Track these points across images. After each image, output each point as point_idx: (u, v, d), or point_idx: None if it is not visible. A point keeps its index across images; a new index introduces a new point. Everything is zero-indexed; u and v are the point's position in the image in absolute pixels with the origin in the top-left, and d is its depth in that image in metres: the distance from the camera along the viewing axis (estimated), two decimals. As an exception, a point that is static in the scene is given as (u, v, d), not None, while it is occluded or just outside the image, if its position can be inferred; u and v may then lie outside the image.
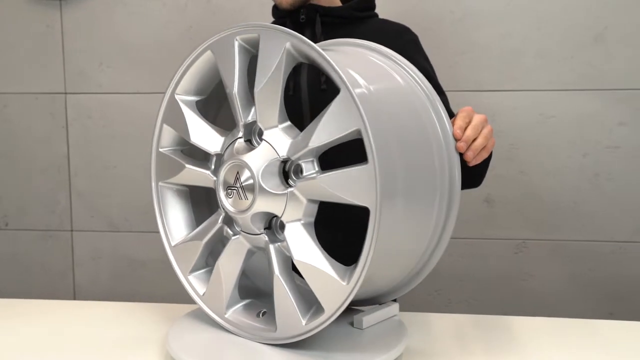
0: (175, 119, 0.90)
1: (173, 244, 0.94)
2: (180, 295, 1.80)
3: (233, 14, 1.76)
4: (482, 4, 1.68)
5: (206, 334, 0.88)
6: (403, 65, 0.88)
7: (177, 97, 0.90)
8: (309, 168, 0.77)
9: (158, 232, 1.97)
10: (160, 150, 0.93)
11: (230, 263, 0.86)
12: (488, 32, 1.69)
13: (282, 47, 0.76)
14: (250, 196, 0.79)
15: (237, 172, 0.80)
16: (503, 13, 1.68)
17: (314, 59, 0.75)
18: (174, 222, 0.95)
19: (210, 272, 0.92)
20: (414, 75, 0.87)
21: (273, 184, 0.79)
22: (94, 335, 0.97)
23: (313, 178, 0.76)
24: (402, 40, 1.16)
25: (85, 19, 1.81)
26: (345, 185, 0.72)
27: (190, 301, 1.13)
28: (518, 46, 1.68)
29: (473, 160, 0.87)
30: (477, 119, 0.88)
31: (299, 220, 0.78)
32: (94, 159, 1.86)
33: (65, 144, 1.87)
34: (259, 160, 0.78)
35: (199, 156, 0.95)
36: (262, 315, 0.87)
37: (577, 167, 1.70)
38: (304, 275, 0.78)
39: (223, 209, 0.85)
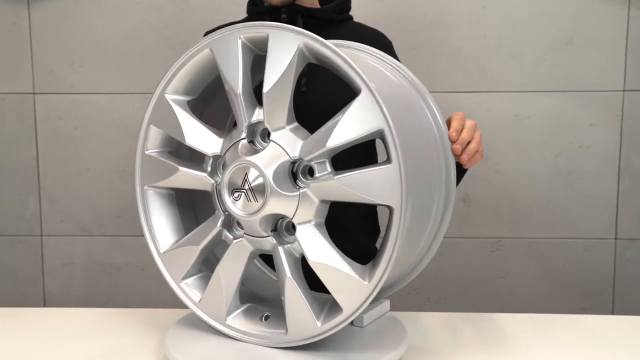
0: (165, 119, 0.87)
1: (162, 250, 0.91)
2: (159, 301, 1.77)
3: (210, 14, 1.73)
4: (457, 7, 1.71)
5: (206, 341, 0.86)
6: (395, 66, 0.89)
7: (167, 97, 0.87)
8: (322, 169, 0.77)
9: (134, 235, 1.94)
10: (147, 152, 0.89)
11: (231, 267, 0.84)
12: (463, 34, 1.71)
13: (295, 46, 0.75)
14: (260, 198, 0.77)
15: (246, 174, 0.78)
16: (478, 16, 1.71)
17: (330, 59, 0.75)
18: (161, 227, 0.91)
19: (203, 277, 0.89)
20: (406, 76, 0.88)
21: (284, 185, 0.78)
22: (75, 344, 0.94)
23: (329, 179, 0.75)
24: (382, 45, 1.18)
25: (54, 16, 1.75)
26: (367, 185, 0.73)
27: (174, 306, 1.10)
28: (493, 48, 1.72)
29: (468, 163, 0.89)
30: (469, 123, 0.91)
31: (310, 221, 0.78)
32: (65, 161, 1.81)
33: (34, 146, 1.81)
34: (269, 162, 0.77)
35: (185, 157, 0.92)
36: (265, 319, 0.86)
37: (550, 167, 1.74)
38: (320, 276, 0.77)
39: (227, 211, 0.83)
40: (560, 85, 1.71)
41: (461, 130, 0.89)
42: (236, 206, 0.80)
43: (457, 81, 1.73)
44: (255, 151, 0.80)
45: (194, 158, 0.93)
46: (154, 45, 1.74)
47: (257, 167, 0.77)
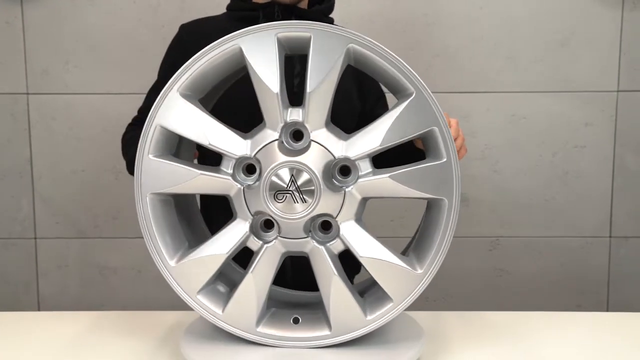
0: (179, 120, 0.81)
1: (172, 262, 0.83)
2: (157, 303, 1.75)
3: (207, 14, 1.72)
4: (454, 8, 1.72)
5: (237, 350, 0.82)
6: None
7: (181, 95, 0.81)
8: (365, 167, 0.79)
9: (131, 237, 1.91)
10: (152, 157, 0.81)
11: (264, 273, 0.81)
12: (461, 35, 1.73)
13: (342, 47, 0.76)
14: (309, 199, 0.77)
15: (292, 175, 0.77)
16: (475, 17, 1.72)
17: (373, 61, 0.76)
18: (165, 237, 0.84)
19: (215, 288, 0.85)
20: None
21: (331, 184, 0.78)
22: (71, 349, 0.91)
23: (382, 176, 0.77)
24: None
25: (48, 15, 1.72)
26: (422, 181, 0.78)
27: (172, 308, 1.08)
28: (490, 49, 1.73)
29: None
30: (454, 121, 0.96)
31: (352, 218, 0.79)
32: (60, 162, 1.78)
33: (28, 147, 1.77)
34: (315, 162, 0.77)
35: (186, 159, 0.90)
36: (295, 322, 0.84)
37: (547, 166, 1.76)
38: (370, 270, 0.78)
39: (256, 215, 0.80)
40: (556, 85, 1.74)
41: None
42: (281, 209, 0.78)
43: (454, 82, 1.74)
44: (294, 152, 0.78)
45: (184, 158, 0.89)
46: (150, 45, 1.73)
47: (306, 168, 0.77)
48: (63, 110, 1.76)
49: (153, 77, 1.24)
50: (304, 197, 0.77)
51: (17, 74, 1.74)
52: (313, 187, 0.77)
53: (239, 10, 1.15)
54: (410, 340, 0.86)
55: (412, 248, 0.85)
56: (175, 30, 1.65)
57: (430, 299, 1.83)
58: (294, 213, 0.78)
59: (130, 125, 1.23)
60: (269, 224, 0.82)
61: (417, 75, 0.77)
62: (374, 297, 0.82)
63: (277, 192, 0.78)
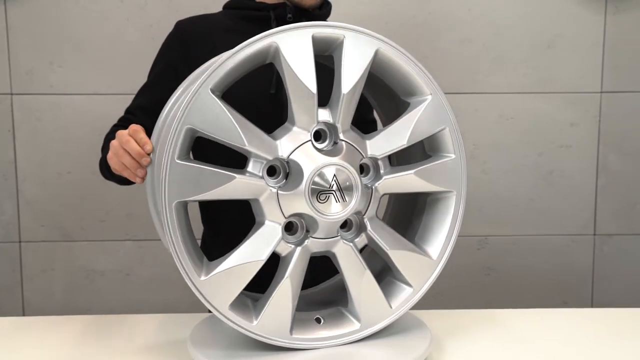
0: (212, 121, 0.74)
1: (202, 276, 0.76)
2: (146, 306, 1.73)
3: (196, 13, 1.70)
4: (443, 10, 1.74)
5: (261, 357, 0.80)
6: None
7: (212, 94, 0.75)
8: (386, 165, 0.83)
9: (119, 240, 1.86)
10: (179, 161, 0.74)
11: (298, 275, 0.80)
12: (449, 37, 1.75)
13: (372, 50, 0.78)
14: (349, 197, 0.78)
15: (334, 175, 0.77)
16: (463, 19, 1.74)
17: (393, 63, 0.80)
18: (190, 249, 0.77)
19: (240, 297, 0.80)
20: None
21: (364, 183, 0.81)
22: (57, 354, 0.88)
23: (407, 173, 0.82)
24: None
25: (33, 14, 1.69)
26: (438, 176, 0.83)
27: (162, 311, 1.06)
28: (477, 51, 1.76)
29: None
30: None
31: (374, 215, 0.82)
32: (45, 164, 1.74)
33: (12, 148, 1.73)
34: (352, 161, 0.79)
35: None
36: (318, 321, 0.84)
37: (533, 166, 1.80)
38: (396, 261, 0.81)
39: (289, 217, 0.78)
40: (542, 86, 1.77)
41: None
42: (324, 209, 0.77)
43: (443, 83, 1.73)
44: (327, 152, 0.79)
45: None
46: (138, 45, 1.70)
47: (346, 167, 0.78)
48: (48, 111, 1.73)
49: (141, 77, 1.22)
50: (345, 196, 0.78)
51: (0, 74, 1.70)
52: (353, 186, 0.78)
53: (245, 9, 1.11)
54: (422, 328, 0.90)
55: (417, 238, 0.89)
56: (164, 29, 1.62)
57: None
58: (336, 212, 0.78)
59: (114, 126, 1.20)
60: (289, 227, 0.81)
61: (432, 79, 0.84)
62: (387, 286, 0.86)
63: (320, 192, 0.77)
